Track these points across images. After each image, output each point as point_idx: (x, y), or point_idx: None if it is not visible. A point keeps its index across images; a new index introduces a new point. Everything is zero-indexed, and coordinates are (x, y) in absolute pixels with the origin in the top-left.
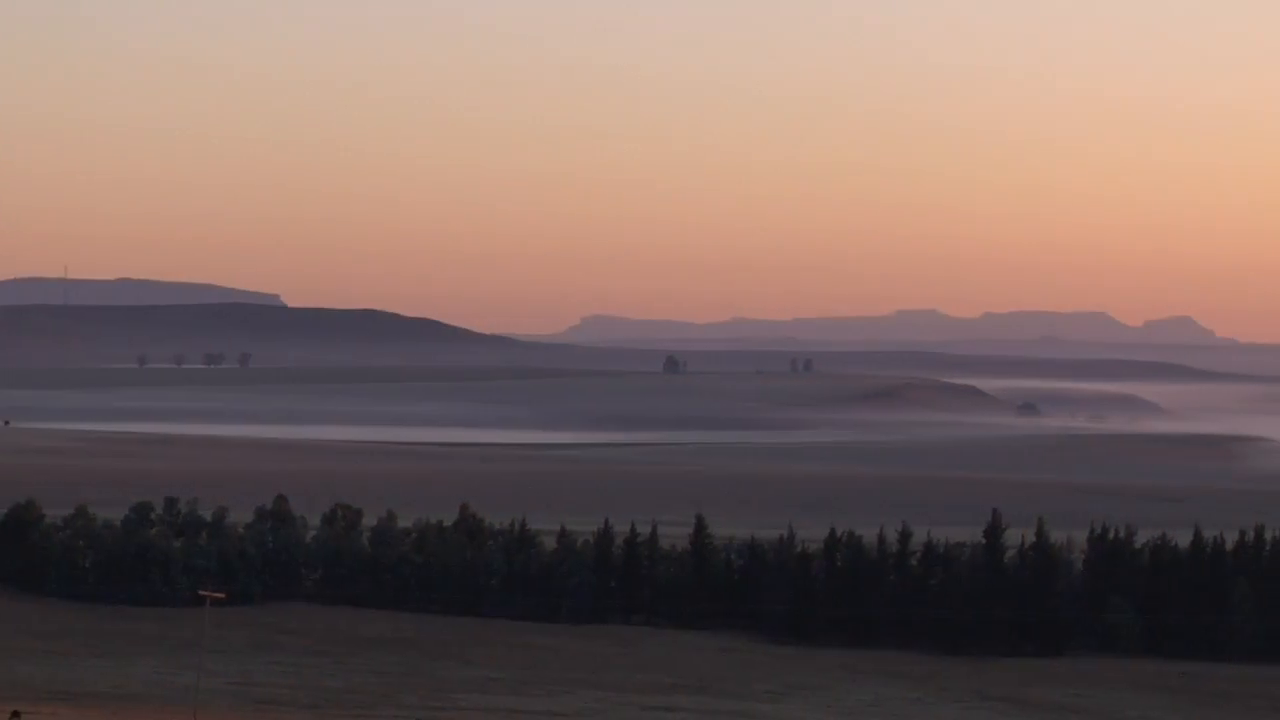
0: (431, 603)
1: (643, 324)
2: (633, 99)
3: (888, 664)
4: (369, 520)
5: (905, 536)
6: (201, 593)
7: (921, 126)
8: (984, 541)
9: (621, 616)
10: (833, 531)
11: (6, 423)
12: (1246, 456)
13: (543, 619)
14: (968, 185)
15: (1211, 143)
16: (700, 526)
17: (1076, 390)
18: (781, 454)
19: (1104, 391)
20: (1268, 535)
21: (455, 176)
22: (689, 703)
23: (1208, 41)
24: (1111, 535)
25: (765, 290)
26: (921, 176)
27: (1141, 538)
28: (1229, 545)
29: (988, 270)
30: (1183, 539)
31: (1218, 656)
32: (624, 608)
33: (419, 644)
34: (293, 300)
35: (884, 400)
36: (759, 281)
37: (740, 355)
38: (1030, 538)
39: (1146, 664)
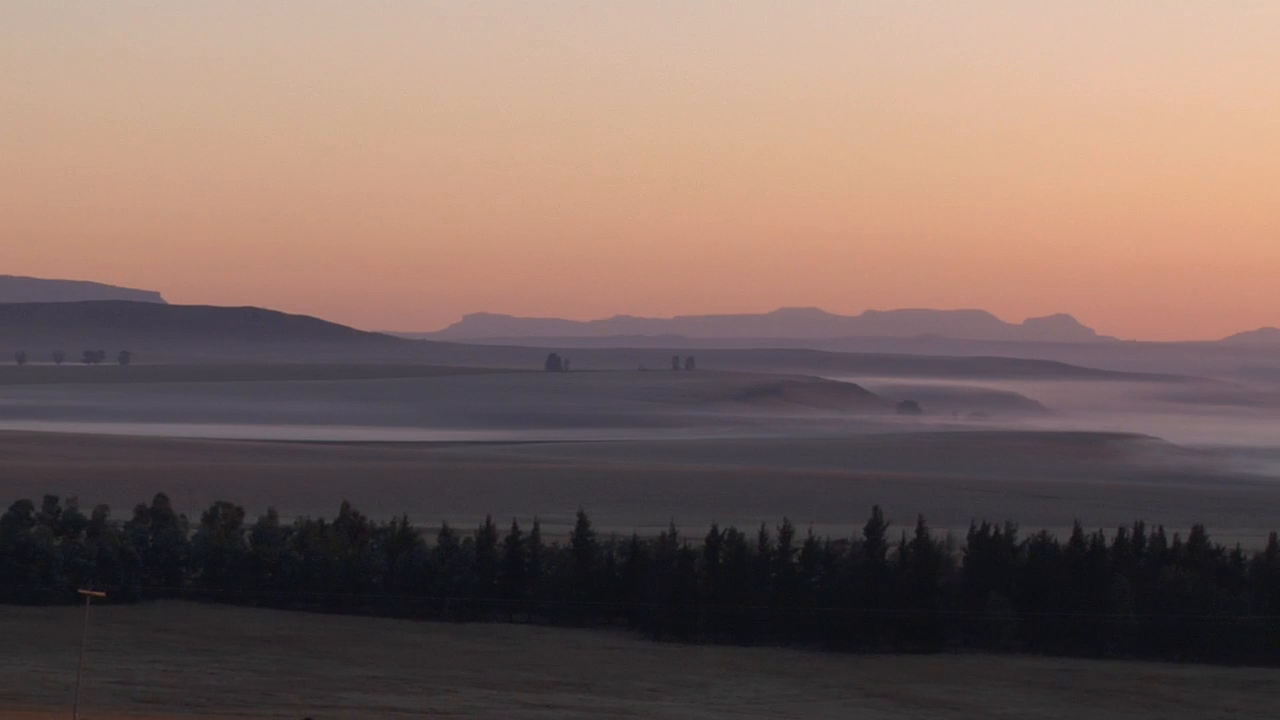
0: (313, 601)
1: (525, 322)
2: (512, 97)
3: (769, 661)
4: (250, 519)
5: (786, 534)
6: (82, 591)
7: (804, 125)
8: (865, 539)
9: (503, 614)
10: (714, 529)
11: None
12: (1125, 454)
13: (424, 617)
14: (849, 184)
15: (1089, 142)
16: (582, 524)
17: (957, 388)
18: (663, 452)
19: (984, 389)
20: (1147, 532)
21: (336, 173)
22: (571, 700)
23: (1081, 40)
24: (992, 532)
25: (647, 288)
26: (803, 175)
27: (1021, 535)
28: (1108, 542)
29: (869, 268)
30: (1062, 536)
31: (1097, 653)
32: (506, 605)
33: (300, 642)
34: (173, 298)
35: (765, 398)
36: (641, 280)
37: (622, 353)
38: (911, 535)
39: (1026, 660)
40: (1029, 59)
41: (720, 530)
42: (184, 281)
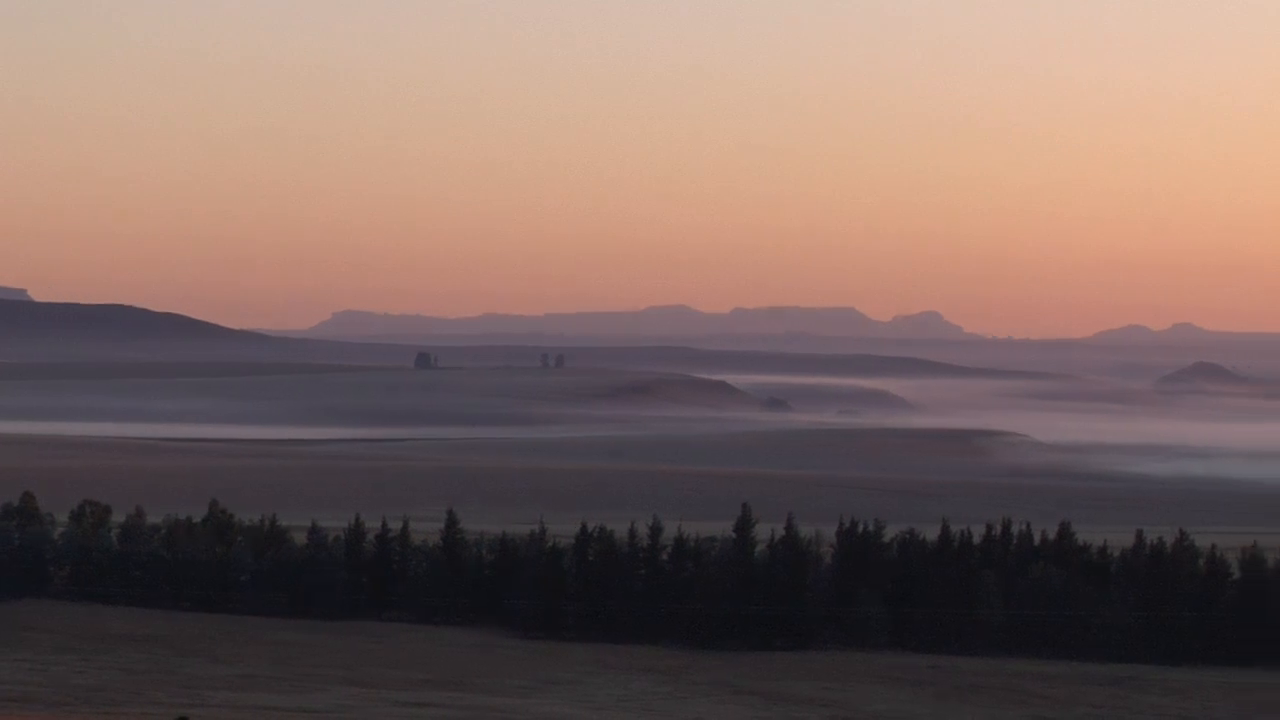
0: (181, 599)
1: (394, 319)
2: (378, 97)
3: (639, 658)
4: (117, 517)
5: (656, 531)
6: None
7: (669, 124)
8: (734, 536)
9: (374, 612)
10: (584, 527)
11: None
12: (993, 451)
13: (294, 615)
14: (717, 182)
15: (953, 140)
16: (452, 523)
17: (826, 385)
18: (533, 450)
19: (853, 386)
20: (1014, 529)
21: (206, 170)
22: (442, 698)
23: (941, 37)
24: (860, 530)
25: (517, 286)
26: (670, 172)
27: (890, 532)
28: (976, 539)
29: (738, 266)
30: (930, 533)
31: (965, 650)
32: (376, 604)
33: (169, 641)
34: (39, 295)
35: (635, 396)
36: (510, 277)
37: (492, 351)
38: (780, 532)
39: (895, 657)
40: (891, 57)
41: (590, 528)
42: (51, 278)
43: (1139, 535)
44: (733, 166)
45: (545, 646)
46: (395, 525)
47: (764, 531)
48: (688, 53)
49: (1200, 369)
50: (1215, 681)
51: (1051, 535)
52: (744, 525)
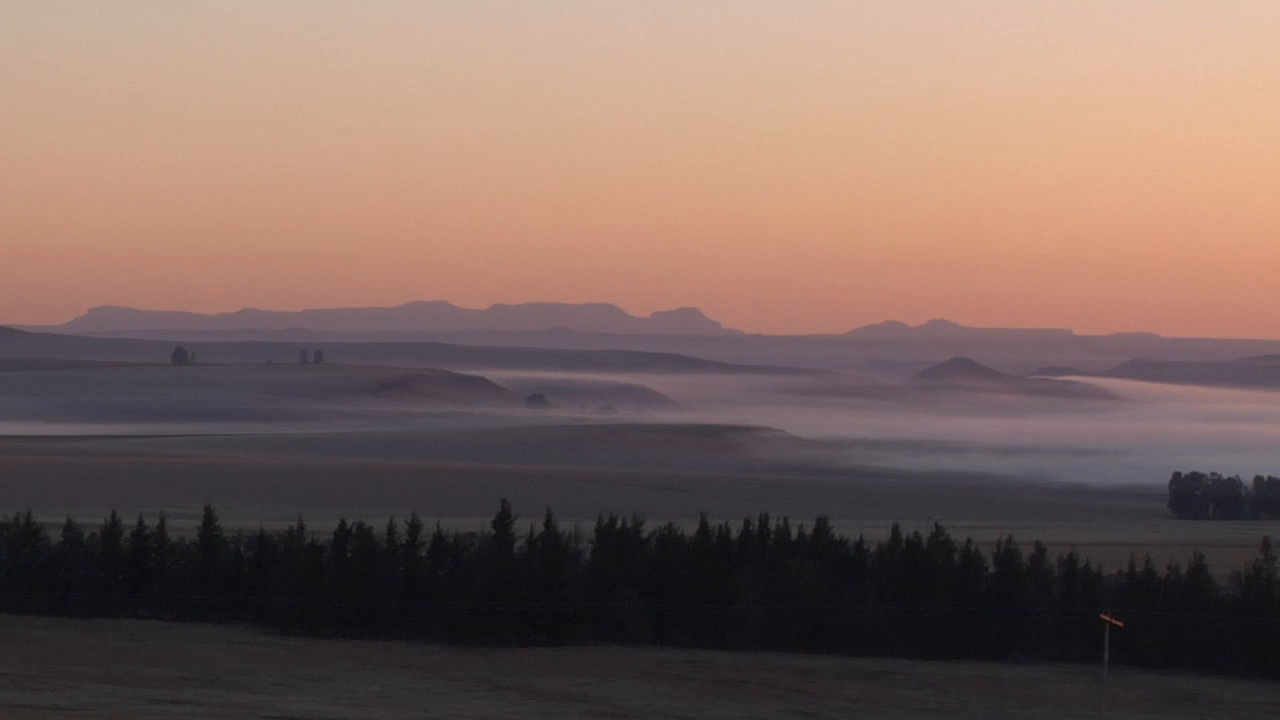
0: None
1: (151, 315)
2: (131, 94)
3: (397, 654)
4: None
5: (414, 527)
6: None
7: (426, 119)
8: (493, 532)
9: (129, 610)
10: (342, 523)
11: None
12: (750, 446)
13: (48, 612)
14: (476, 177)
15: (708, 136)
16: (209, 519)
17: (585, 381)
18: (291, 446)
19: (612, 382)
20: (771, 524)
21: None
22: (197, 695)
23: (699, 47)
24: (619, 525)
25: (275, 281)
26: (428, 168)
27: (649, 527)
28: (734, 534)
29: (497, 262)
30: (689, 528)
31: (723, 644)
32: (132, 601)
33: None
34: None
35: (394, 391)
36: (268, 272)
37: (250, 347)
38: (539, 528)
39: (653, 652)
40: (649, 52)
41: (348, 524)
42: None
43: (895, 530)
44: (491, 163)
45: (303, 643)
46: (152, 522)
47: (523, 527)
48: (439, 49)
49: (955, 365)
50: (971, 675)
51: (809, 530)
52: (503, 521)
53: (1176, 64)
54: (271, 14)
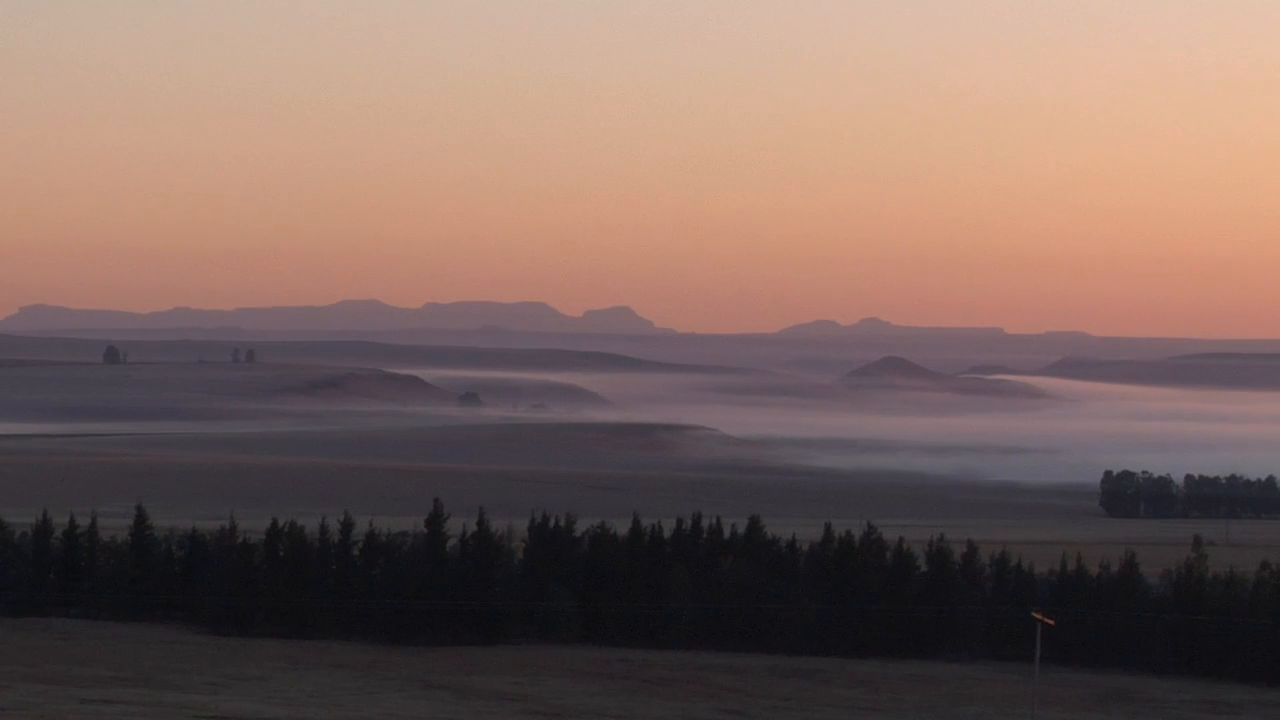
0: None
1: (83, 314)
2: (63, 88)
3: (330, 654)
4: None
5: (347, 527)
6: None
7: (358, 120)
8: (426, 531)
9: (61, 609)
10: (274, 522)
11: None
12: (682, 445)
13: None
14: (408, 178)
15: (637, 134)
16: (141, 518)
17: (518, 380)
18: (224, 445)
19: (545, 381)
20: (704, 523)
21: None
22: (129, 695)
23: (630, 39)
24: (552, 524)
25: (207, 280)
26: (360, 167)
27: (581, 526)
28: (666, 533)
29: (430, 261)
30: (622, 527)
31: (656, 643)
32: (63, 600)
33: None
34: None
35: (327, 390)
36: (201, 271)
37: (182, 345)
38: (472, 527)
39: (586, 651)
40: (585, 49)
41: (280, 523)
42: None
43: (827, 528)
44: (424, 161)
45: (236, 643)
46: (83, 521)
47: (456, 526)
48: (367, 45)
49: (887, 364)
50: (902, 673)
51: (741, 529)
52: (435, 520)
53: (1110, 59)
54: (188, 9)
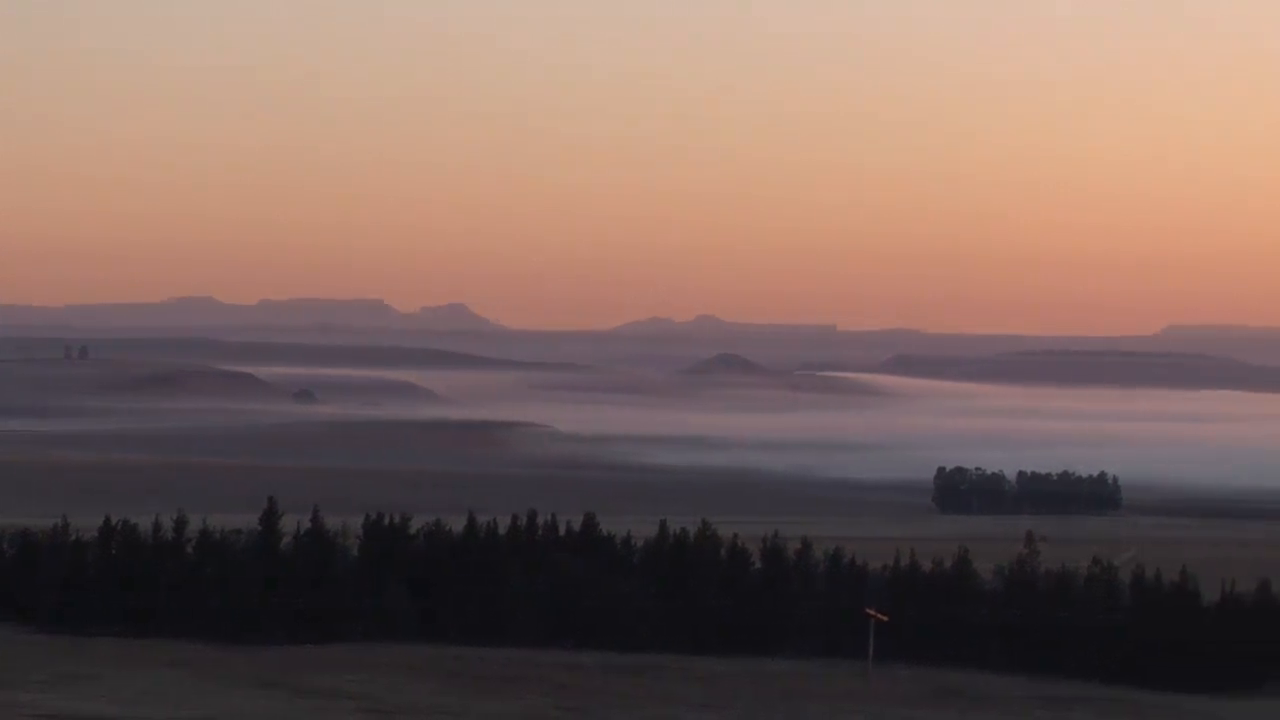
0: None
1: None
2: None
3: (164, 652)
4: None
5: (181, 524)
6: None
7: (194, 119)
8: (260, 528)
9: None
10: (107, 520)
11: None
12: (517, 442)
13: None
14: (243, 171)
15: (479, 135)
16: None
17: (353, 377)
18: (55, 442)
19: (380, 378)
20: (540, 519)
21: None
22: None
23: (462, 43)
24: (387, 521)
25: (36, 276)
26: (195, 162)
27: (417, 523)
28: (502, 529)
29: (264, 257)
30: (457, 524)
31: (493, 640)
32: None
33: None
34: None
35: (160, 387)
36: (29, 267)
37: (10, 342)
38: (306, 524)
39: (422, 648)
40: (419, 49)
41: (113, 521)
42: None
43: (662, 525)
44: (259, 158)
45: (68, 642)
46: None
47: (290, 524)
48: (207, 47)
49: (722, 361)
50: (738, 669)
51: (577, 526)
52: (270, 518)
53: (933, 64)
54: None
